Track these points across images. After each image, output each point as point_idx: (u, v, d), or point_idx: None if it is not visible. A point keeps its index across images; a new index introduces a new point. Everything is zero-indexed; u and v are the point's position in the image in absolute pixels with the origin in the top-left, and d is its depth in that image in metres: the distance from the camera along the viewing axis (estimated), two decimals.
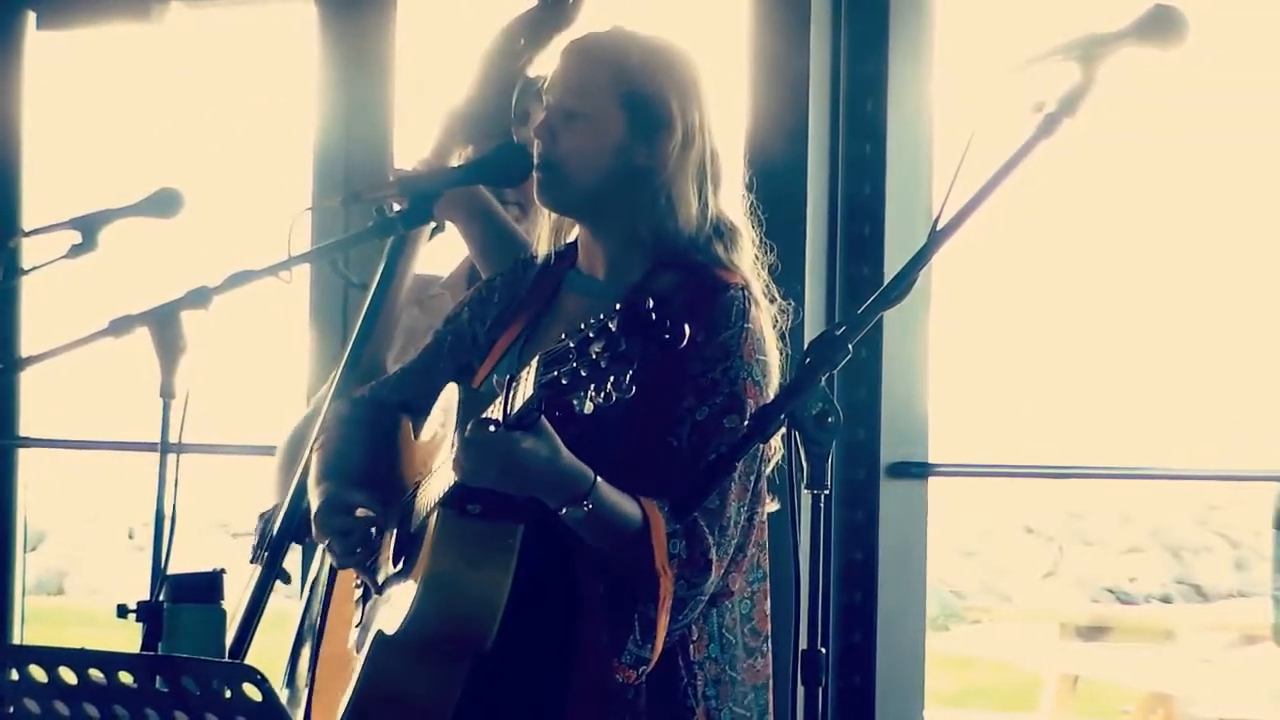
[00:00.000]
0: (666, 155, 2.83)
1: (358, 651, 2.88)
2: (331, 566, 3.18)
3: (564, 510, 2.62)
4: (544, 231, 3.00)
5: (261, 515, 3.52)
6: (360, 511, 2.92)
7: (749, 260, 2.88)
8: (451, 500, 2.71)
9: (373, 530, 2.92)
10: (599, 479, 2.62)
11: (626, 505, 2.66)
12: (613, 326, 2.34)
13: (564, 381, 2.38)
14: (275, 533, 3.29)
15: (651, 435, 2.73)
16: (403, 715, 2.75)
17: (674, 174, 2.84)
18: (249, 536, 3.54)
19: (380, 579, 2.91)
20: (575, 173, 2.86)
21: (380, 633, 2.77)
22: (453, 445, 2.66)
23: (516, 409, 2.51)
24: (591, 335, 2.36)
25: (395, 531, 2.90)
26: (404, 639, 2.71)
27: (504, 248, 3.34)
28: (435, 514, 2.75)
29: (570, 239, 3.00)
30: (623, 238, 2.88)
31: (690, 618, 2.71)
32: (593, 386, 2.36)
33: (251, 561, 3.33)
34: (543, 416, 2.52)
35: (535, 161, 2.90)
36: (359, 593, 3.02)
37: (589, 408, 2.38)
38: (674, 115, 2.84)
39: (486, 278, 3.21)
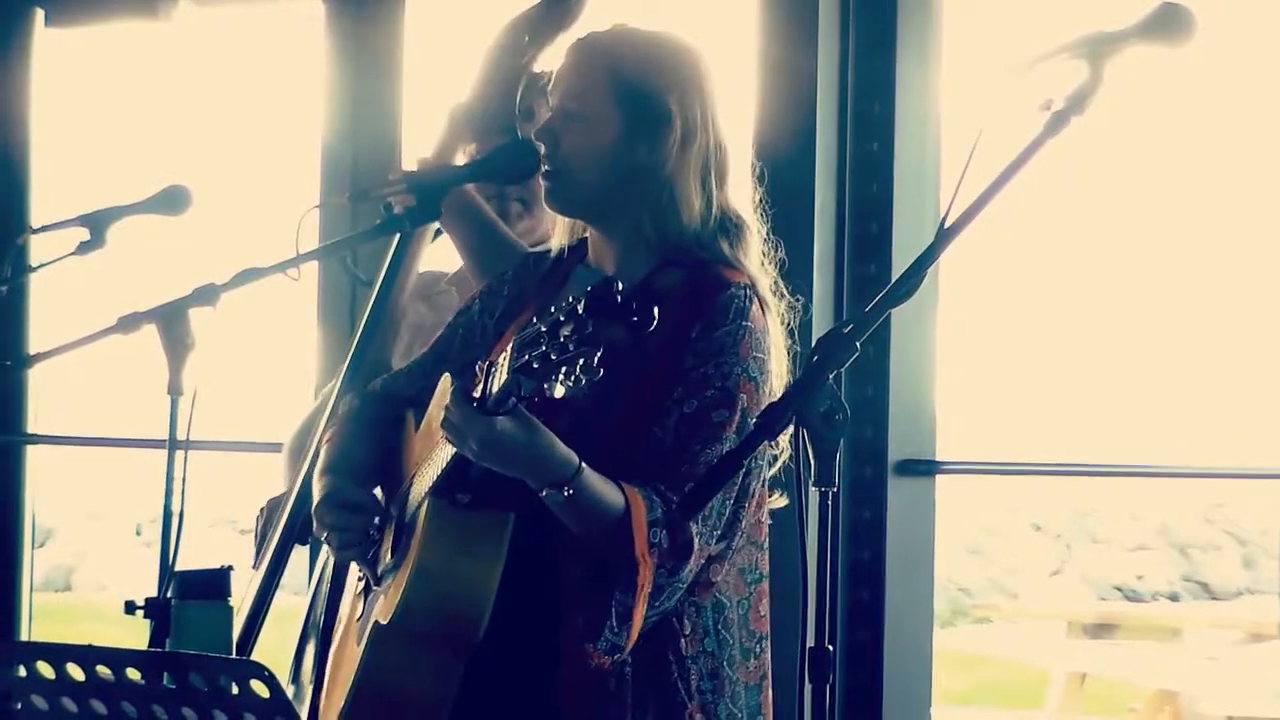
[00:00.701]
0: (667, 152, 2.82)
1: (358, 644, 2.88)
2: (338, 563, 3.18)
3: (544, 493, 2.63)
4: (559, 224, 3.00)
5: (269, 501, 3.52)
6: (360, 506, 2.93)
7: (756, 257, 2.87)
8: (441, 489, 2.72)
9: (372, 524, 2.92)
10: (584, 466, 2.63)
11: (610, 493, 2.65)
12: (580, 309, 2.34)
13: (535, 365, 2.38)
14: (281, 531, 3.29)
15: (636, 424, 2.73)
16: (399, 707, 2.75)
17: (676, 170, 2.83)
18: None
19: (379, 571, 2.92)
20: (578, 175, 2.86)
21: (376, 624, 2.77)
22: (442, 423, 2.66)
23: (494, 393, 2.51)
24: (561, 319, 2.36)
25: (394, 524, 2.91)
26: (395, 630, 2.71)
27: (490, 247, 3.34)
28: (425, 503, 2.75)
29: (584, 234, 3.00)
30: (630, 236, 2.88)
31: (667, 605, 2.70)
32: (562, 370, 2.36)
33: (254, 567, 3.34)
34: (519, 403, 2.52)
35: (542, 168, 2.89)
36: (360, 585, 3.02)
37: (560, 391, 2.38)
38: (672, 111, 2.82)
39: (482, 277, 3.21)
